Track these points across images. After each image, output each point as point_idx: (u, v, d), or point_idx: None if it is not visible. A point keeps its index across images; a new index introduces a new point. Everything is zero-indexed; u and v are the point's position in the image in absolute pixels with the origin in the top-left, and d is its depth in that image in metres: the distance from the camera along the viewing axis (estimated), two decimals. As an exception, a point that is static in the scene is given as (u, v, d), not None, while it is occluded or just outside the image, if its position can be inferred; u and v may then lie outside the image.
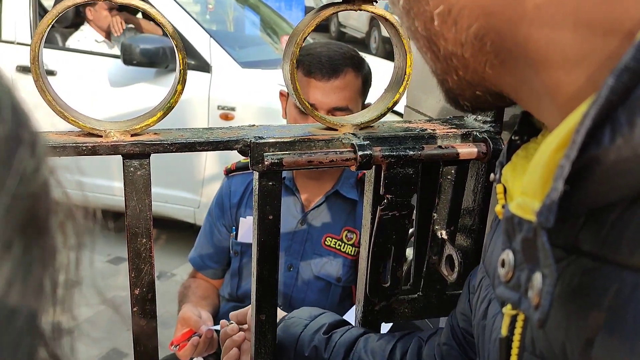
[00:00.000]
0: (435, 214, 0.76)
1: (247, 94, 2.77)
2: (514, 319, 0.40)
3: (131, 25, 3.61)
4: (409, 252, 0.83)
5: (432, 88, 0.98)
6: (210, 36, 2.87)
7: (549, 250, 0.31)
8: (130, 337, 0.72)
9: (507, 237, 0.36)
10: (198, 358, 1.22)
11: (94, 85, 2.94)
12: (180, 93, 0.65)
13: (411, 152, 0.70)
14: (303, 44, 0.68)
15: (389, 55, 6.06)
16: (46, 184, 0.23)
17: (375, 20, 8.35)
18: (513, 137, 0.44)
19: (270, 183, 0.69)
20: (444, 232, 0.77)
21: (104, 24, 3.44)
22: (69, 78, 2.95)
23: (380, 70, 2.76)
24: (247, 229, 1.37)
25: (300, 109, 1.27)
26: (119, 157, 0.65)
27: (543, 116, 0.38)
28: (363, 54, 1.45)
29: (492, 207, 0.77)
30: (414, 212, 0.77)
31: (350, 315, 0.86)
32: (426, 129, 0.73)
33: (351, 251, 1.32)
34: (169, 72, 2.83)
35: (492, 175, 0.44)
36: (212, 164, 2.82)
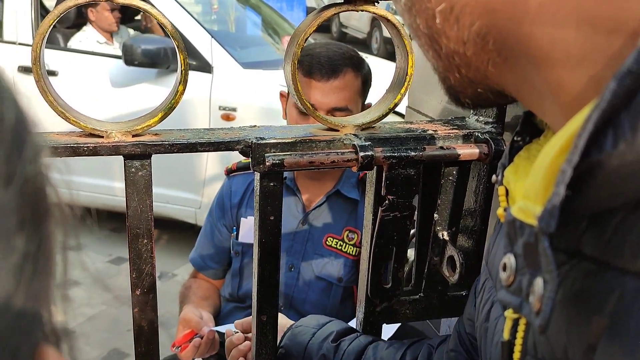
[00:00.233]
0: (436, 215, 0.76)
1: (249, 95, 2.77)
2: (516, 323, 0.40)
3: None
4: (411, 253, 0.83)
5: (433, 89, 0.98)
6: (212, 37, 2.87)
7: (550, 256, 0.31)
8: (131, 338, 0.72)
9: (508, 240, 0.36)
10: (200, 359, 1.22)
11: (95, 85, 2.95)
12: (182, 94, 0.65)
13: (413, 153, 0.70)
14: (304, 45, 0.68)
15: (390, 56, 6.06)
16: (45, 184, 0.24)
17: (376, 21, 8.35)
18: (515, 138, 0.43)
19: (272, 184, 0.69)
20: (445, 233, 0.76)
21: (106, 25, 3.44)
22: (70, 78, 2.95)
23: (382, 70, 2.76)
24: (248, 229, 1.37)
25: (300, 110, 1.28)
26: (121, 157, 0.65)
27: (546, 115, 0.37)
28: (364, 55, 1.45)
29: (494, 208, 0.77)
30: (416, 213, 0.77)
31: (354, 325, 0.86)
32: (428, 130, 0.73)
33: (352, 251, 1.32)
34: (171, 73, 2.83)
35: (494, 177, 0.44)
36: (213, 164, 2.82)
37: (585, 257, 0.34)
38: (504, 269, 0.36)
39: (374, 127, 0.74)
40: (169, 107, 0.66)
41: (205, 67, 2.79)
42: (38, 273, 0.22)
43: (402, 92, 0.72)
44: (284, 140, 0.68)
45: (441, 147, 0.72)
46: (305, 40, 0.67)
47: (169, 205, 2.89)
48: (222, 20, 3.70)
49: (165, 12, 2.79)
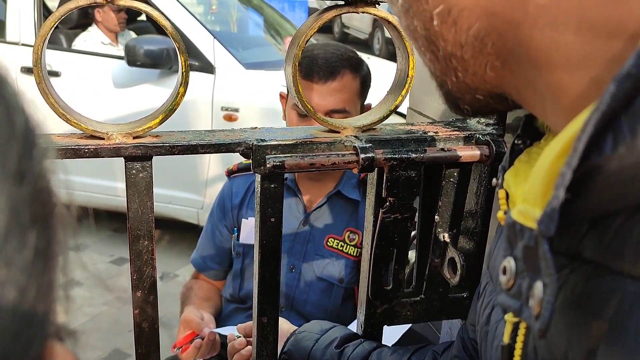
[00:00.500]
0: (437, 217, 0.76)
1: (251, 95, 2.77)
2: (516, 326, 0.40)
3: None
4: (411, 255, 0.83)
5: (434, 90, 0.97)
6: (214, 37, 2.88)
7: (550, 260, 0.31)
8: (132, 338, 0.72)
9: (508, 244, 0.36)
10: (200, 360, 1.22)
11: (98, 86, 2.95)
12: (183, 95, 0.65)
13: (413, 155, 0.70)
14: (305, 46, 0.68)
15: (392, 57, 6.05)
16: (51, 184, 0.24)
17: (378, 22, 8.33)
18: (516, 141, 0.43)
19: (272, 185, 0.69)
20: (446, 235, 0.76)
21: (112, 25, 3.45)
22: (73, 79, 2.96)
23: (384, 71, 2.76)
24: (249, 230, 1.36)
25: (299, 112, 1.27)
26: (122, 158, 0.65)
27: (547, 118, 0.37)
28: (366, 55, 1.44)
29: (495, 210, 0.77)
30: (417, 214, 0.77)
31: (352, 328, 0.86)
32: (428, 132, 0.73)
33: (353, 252, 1.32)
34: (173, 74, 2.84)
35: (494, 180, 0.44)
36: (215, 165, 2.82)
37: (585, 261, 0.34)
38: (504, 272, 0.36)
39: (374, 128, 0.74)
40: (170, 109, 0.66)
41: (207, 67, 2.79)
42: (47, 270, 0.23)
43: (403, 94, 0.72)
44: (284, 142, 0.68)
45: (442, 149, 0.71)
46: (306, 42, 0.67)
47: (172, 205, 2.89)
48: (224, 20, 3.70)
49: (168, 13, 2.79)
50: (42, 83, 0.61)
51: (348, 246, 1.32)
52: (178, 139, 0.66)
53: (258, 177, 0.68)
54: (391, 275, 0.76)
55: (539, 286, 0.32)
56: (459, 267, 0.73)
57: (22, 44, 3.04)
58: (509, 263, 0.36)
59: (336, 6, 0.66)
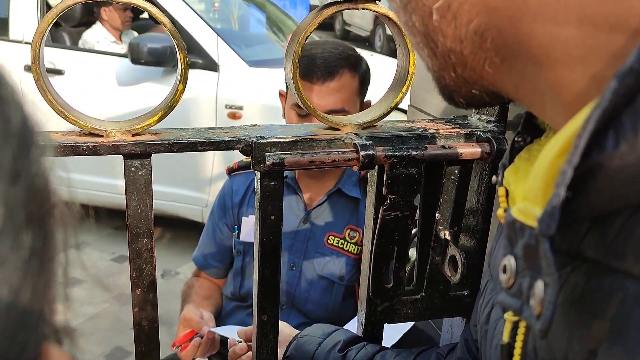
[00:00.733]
0: (438, 215, 0.76)
1: (255, 93, 2.76)
2: (515, 325, 0.39)
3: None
4: (412, 253, 0.83)
5: (435, 88, 0.97)
6: (218, 35, 2.87)
7: (551, 259, 0.30)
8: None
9: (508, 242, 0.36)
10: (200, 359, 1.22)
11: (102, 84, 2.95)
12: (182, 93, 0.65)
13: (414, 152, 0.69)
14: (305, 43, 0.68)
15: (393, 53, 6.03)
16: (49, 183, 0.24)
17: (379, 19, 8.33)
18: (516, 139, 0.43)
19: (272, 183, 0.68)
20: (447, 233, 0.76)
21: (118, 23, 3.45)
22: (77, 77, 2.96)
23: (385, 68, 2.75)
24: (249, 228, 1.36)
25: (299, 113, 1.27)
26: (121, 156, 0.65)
27: (547, 115, 0.37)
28: (367, 52, 1.43)
29: (496, 208, 0.76)
30: (417, 212, 0.77)
31: (352, 325, 0.86)
32: (429, 129, 0.73)
33: (354, 250, 1.32)
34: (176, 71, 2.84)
35: (494, 177, 0.44)
36: (219, 163, 2.82)
37: (586, 260, 0.33)
38: (504, 270, 0.36)
39: (375, 126, 0.73)
40: (169, 106, 0.65)
41: (211, 65, 2.79)
42: (43, 270, 0.23)
43: (404, 91, 0.72)
44: (284, 140, 0.67)
45: (443, 146, 0.71)
46: (306, 38, 0.67)
47: (176, 203, 2.89)
48: (226, 18, 3.70)
49: (171, 10, 2.79)
50: (41, 80, 0.61)
51: (348, 244, 1.32)
52: (177, 136, 0.66)
53: (258, 175, 0.68)
54: (392, 273, 0.76)
55: (539, 285, 0.31)
56: (459, 265, 0.73)
57: (26, 42, 3.04)
58: (509, 261, 0.35)
59: (336, 2, 0.66)
